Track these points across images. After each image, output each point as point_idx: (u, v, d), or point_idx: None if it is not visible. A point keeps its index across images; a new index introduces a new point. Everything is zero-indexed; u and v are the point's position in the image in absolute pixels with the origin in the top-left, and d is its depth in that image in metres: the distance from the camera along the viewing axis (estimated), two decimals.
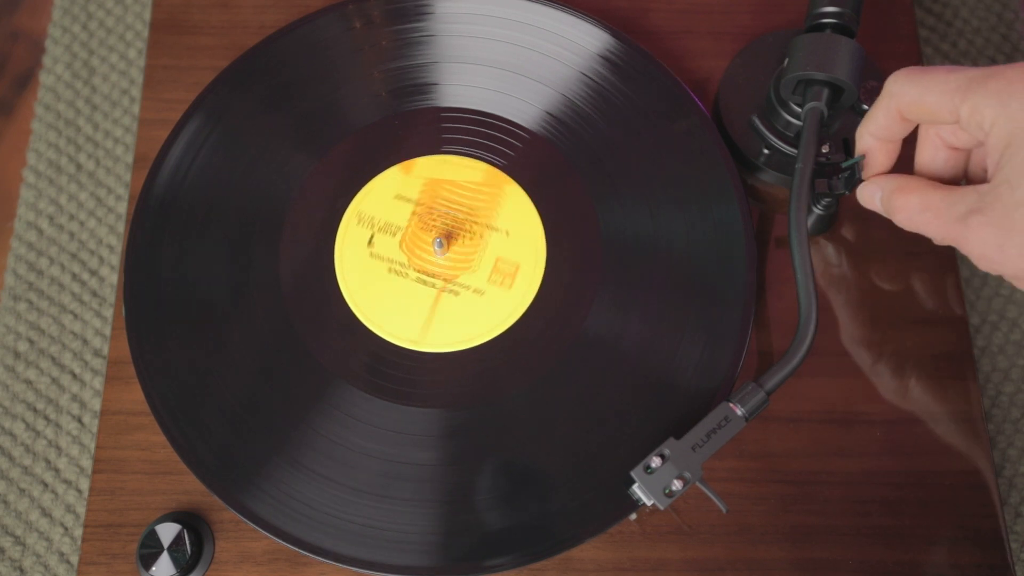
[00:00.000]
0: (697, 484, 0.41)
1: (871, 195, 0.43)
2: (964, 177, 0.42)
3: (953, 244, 0.38)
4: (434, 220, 0.48)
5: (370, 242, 0.46)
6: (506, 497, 0.43)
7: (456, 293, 0.47)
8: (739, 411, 0.41)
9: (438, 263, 0.47)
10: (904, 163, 0.43)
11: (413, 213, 0.48)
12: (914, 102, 0.39)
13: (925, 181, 0.40)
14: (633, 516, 0.43)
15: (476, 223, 0.48)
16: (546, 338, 0.46)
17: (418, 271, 0.47)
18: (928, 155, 0.42)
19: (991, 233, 0.36)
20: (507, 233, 0.47)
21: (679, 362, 0.45)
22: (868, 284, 0.49)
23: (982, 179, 0.40)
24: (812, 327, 0.42)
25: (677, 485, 0.40)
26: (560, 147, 0.49)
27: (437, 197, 0.48)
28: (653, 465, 0.40)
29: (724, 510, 0.41)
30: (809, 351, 0.42)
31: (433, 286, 0.47)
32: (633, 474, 0.40)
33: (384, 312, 0.46)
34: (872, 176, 0.43)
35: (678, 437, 0.41)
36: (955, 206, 0.38)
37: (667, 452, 0.41)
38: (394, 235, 0.48)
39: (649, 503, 0.40)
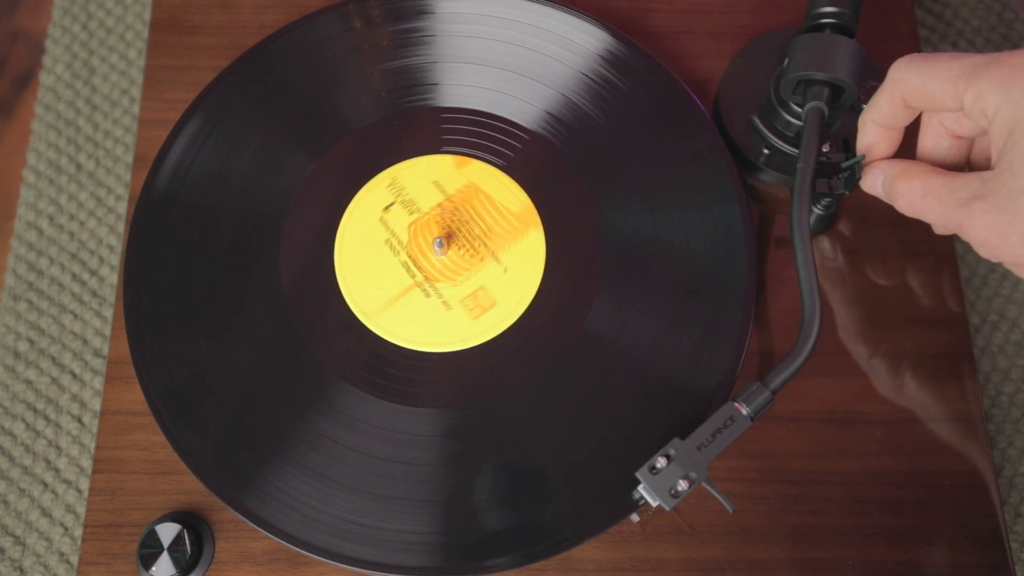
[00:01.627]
0: (703, 484, 0.40)
1: (873, 180, 0.43)
2: (967, 166, 0.42)
3: (955, 230, 0.38)
4: (451, 221, 0.48)
5: (388, 208, 0.46)
6: (506, 497, 0.43)
7: (427, 294, 0.46)
8: (744, 411, 0.41)
9: (431, 260, 0.47)
10: (905, 152, 0.43)
11: (439, 205, 0.48)
12: (917, 89, 0.39)
13: (928, 167, 0.40)
14: (635, 518, 0.43)
15: (485, 245, 0.47)
16: (546, 338, 0.46)
17: (409, 256, 0.47)
18: (931, 143, 0.41)
19: (993, 219, 0.36)
20: (505, 270, 0.47)
21: (679, 362, 0.45)
22: (868, 284, 0.49)
23: (985, 167, 0.40)
24: (816, 325, 0.42)
25: (683, 485, 0.40)
26: (560, 147, 0.49)
27: (468, 203, 0.48)
28: (658, 465, 0.40)
29: (731, 510, 0.41)
30: (814, 349, 0.42)
31: (412, 277, 0.47)
32: (638, 475, 0.40)
33: (358, 277, 0.46)
34: (874, 161, 0.43)
35: (682, 437, 0.41)
36: (958, 192, 0.37)
37: (672, 452, 0.41)
38: (411, 213, 0.48)
39: (655, 504, 0.40)
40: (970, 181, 0.37)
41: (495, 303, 0.46)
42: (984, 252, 0.37)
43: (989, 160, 0.37)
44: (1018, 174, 0.35)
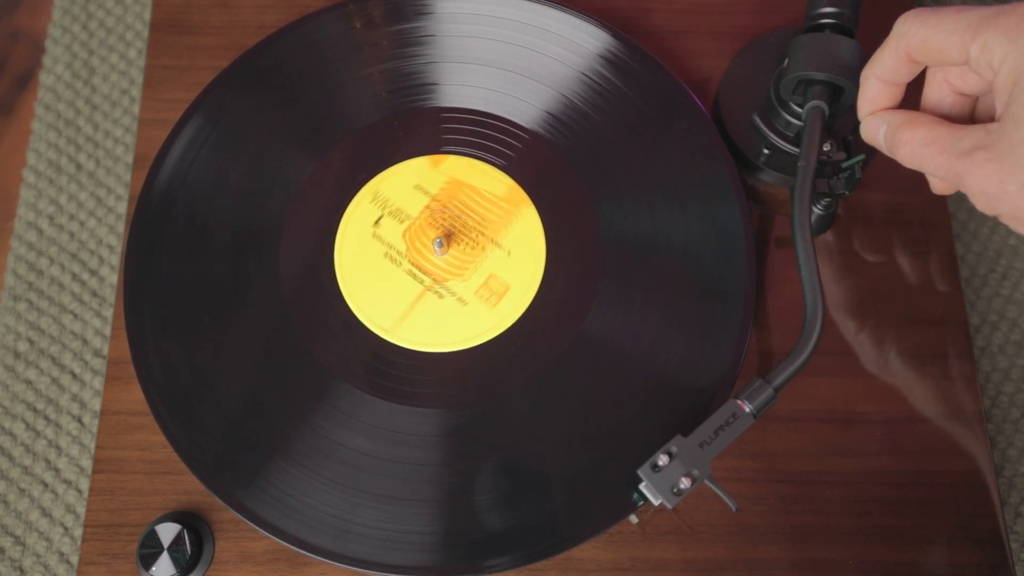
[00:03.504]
0: (706, 482, 0.40)
1: (875, 128, 0.42)
2: (970, 123, 0.41)
3: (954, 181, 0.37)
4: (444, 220, 0.48)
5: (377, 222, 0.46)
6: (506, 497, 0.43)
7: (440, 296, 0.47)
8: (747, 408, 0.41)
9: (434, 262, 0.47)
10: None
11: (426, 207, 0.48)
12: (923, 42, 0.38)
13: (932, 117, 0.40)
14: (634, 519, 0.43)
15: (483, 234, 0.48)
16: (546, 338, 0.46)
17: (412, 263, 0.47)
18: (934, 99, 0.41)
19: (994, 169, 0.35)
20: (509, 253, 0.47)
21: (679, 362, 0.45)
22: (868, 284, 0.49)
23: None
24: (819, 323, 0.42)
25: (685, 483, 0.40)
26: (560, 147, 0.49)
27: (454, 198, 0.48)
28: (660, 463, 0.40)
29: (734, 508, 0.41)
30: (816, 346, 0.42)
31: (421, 282, 0.47)
32: (640, 472, 0.40)
33: (368, 296, 0.46)
34: (877, 111, 0.42)
35: (684, 435, 0.41)
36: (961, 142, 0.37)
37: (674, 450, 0.40)
38: (401, 222, 0.48)
39: (656, 502, 0.40)
40: (974, 131, 0.37)
41: (508, 287, 0.46)
42: (981, 204, 0.37)
43: (993, 119, 0.37)
44: (1020, 124, 0.35)
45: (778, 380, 0.42)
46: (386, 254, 0.47)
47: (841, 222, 0.50)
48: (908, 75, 0.41)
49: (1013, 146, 0.35)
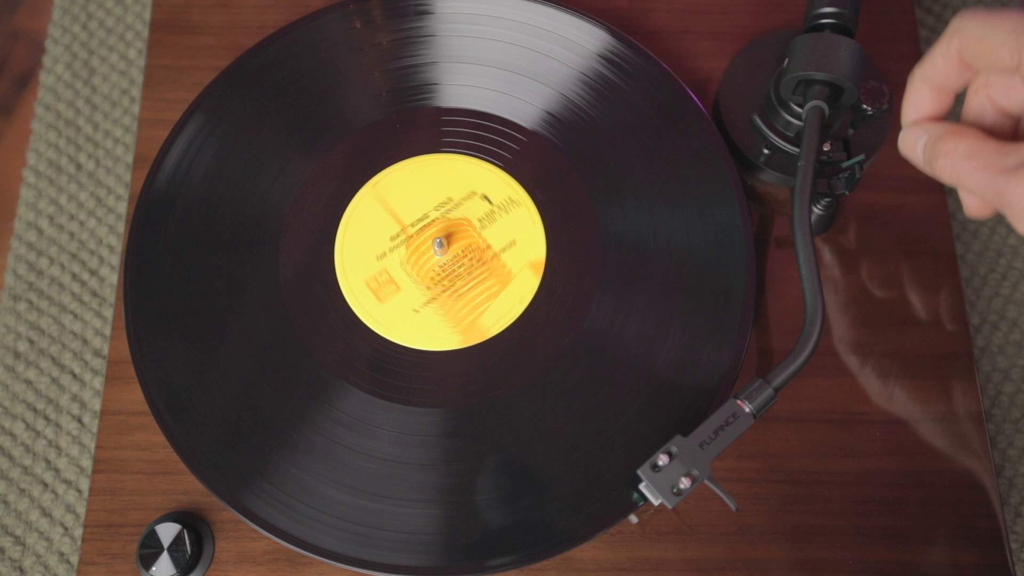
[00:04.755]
0: (705, 482, 0.40)
1: (915, 139, 0.40)
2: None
3: (994, 198, 0.36)
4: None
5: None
6: (506, 497, 0.43)
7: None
8: (747, 408, 0.41)
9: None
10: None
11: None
12: (978, 40, 0.37)
13: (977, 131, 0.38)
14: (634, 519, 0.43)
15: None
16: (546, 338, 0.46)
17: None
18: (974, 115, 0.40)
19: None
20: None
21: (679, 362, 0.45)
22: (867, 284, 0.49)
23: None
24: (819, 322, 0.42)
25: (685, 483, 0.40)
26: (560, 147, 0.49)
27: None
28: (660, 463, 0.40)
29: (734, 508, 0.41)
30: (816, 346, 0.42)
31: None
32: (640, 472, 0.40)
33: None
34: (921, 121, 0.40)
35: (684, 435, 0.41)
36: (1007, 157, 0.36)
37: (674, 450, 0.40)
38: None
39: (656, 502, 0.40)
40: (1021, 148, 0.35)
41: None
42: (1021, 225, 0.35)
43: None
44: None
45: (778, 380, 0.42)
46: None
47: (841, 222, 0.50)
48: (956, 79, 0.39)
49: None
